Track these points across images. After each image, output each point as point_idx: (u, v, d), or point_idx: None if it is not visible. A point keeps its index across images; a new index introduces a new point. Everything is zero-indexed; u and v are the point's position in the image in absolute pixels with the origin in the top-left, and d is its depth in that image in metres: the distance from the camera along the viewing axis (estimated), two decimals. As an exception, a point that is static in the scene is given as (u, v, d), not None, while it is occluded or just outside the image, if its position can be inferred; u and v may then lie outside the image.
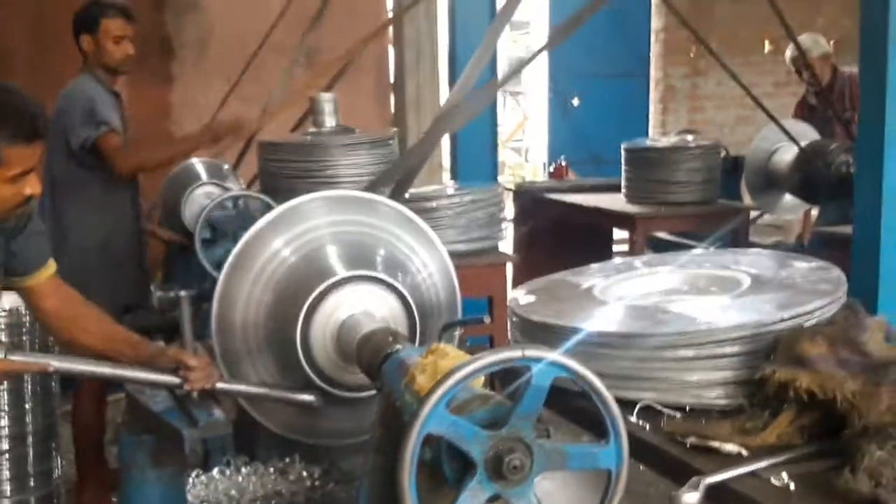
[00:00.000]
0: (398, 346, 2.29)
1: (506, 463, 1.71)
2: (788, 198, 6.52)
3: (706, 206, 6.02)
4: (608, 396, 1.75)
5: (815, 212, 7.19)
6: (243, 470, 2.77)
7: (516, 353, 1.73)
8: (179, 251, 5.04)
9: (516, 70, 3.93)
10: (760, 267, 2.53)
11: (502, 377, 2.14)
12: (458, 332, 2.83)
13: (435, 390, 1.68)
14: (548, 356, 1.72)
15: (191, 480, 2.68)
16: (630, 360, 2.17)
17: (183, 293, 2.47)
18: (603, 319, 2.28)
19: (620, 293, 2.49)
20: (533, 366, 1.72)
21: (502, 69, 6.47)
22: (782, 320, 2.14)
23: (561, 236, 6.61)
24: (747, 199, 6.69)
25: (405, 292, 2.64)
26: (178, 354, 2.36)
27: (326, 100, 4.45)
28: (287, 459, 2.81)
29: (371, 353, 2.36)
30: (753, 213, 6.80)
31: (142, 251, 4.39)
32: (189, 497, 2.60)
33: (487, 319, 2.35)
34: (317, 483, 2.74)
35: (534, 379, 1.73)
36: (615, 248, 7.32)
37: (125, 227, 4.18)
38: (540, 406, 1.74)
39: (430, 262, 2.84)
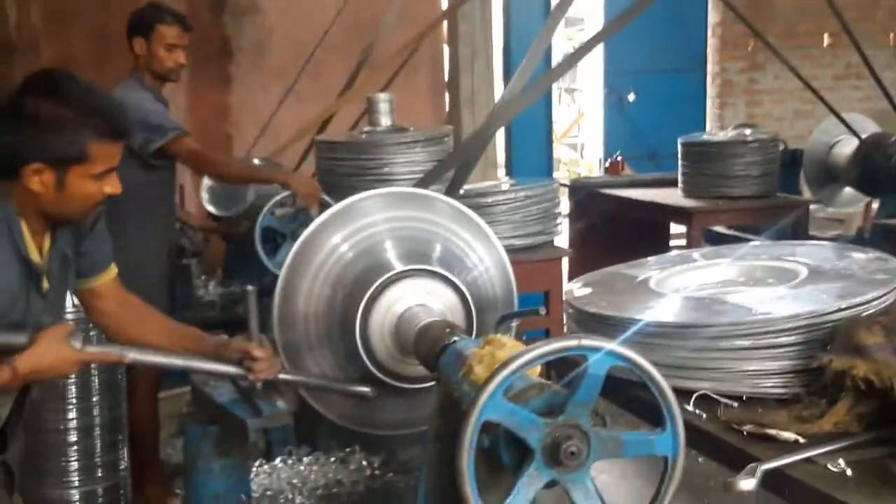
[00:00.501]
0: (455, 338, 2.33)
1: (563, 449, 1.74)
2: (848, 191, 6.45)
3: (764, 199, 5.98)
4: (663, 383, 1.78)
5: (875, 205, 7.10)
6: (305, 460, 2.83)
7: (572, 343, 1.76)
8: (239, 249, 5.14)
9: (570, 62, 3.95)
10: (818, 258, 2.52)
11: (559, 369, 2.18)
12: (514, 326, 2.87)
13: (492, 379, 1.72)
14: (604, 345, 1.75)
15: (254, 470, 2.74)
16: (686, 350, 2.18)
17: (249, 288, 2.53)
18: (659, 310, 2.30)
19: (677, 285, 2.50)
20: (589, 355, 1.75)
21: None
22: (839, 310, 2.14)
23: (616, 231, 6.60)
24: (806, 193, 6.62)
25: (461, 286, 2.68)
26: (243, 346, 2.41)
27: (382, 99, 4.51)
28: (347, 449, 2.86)
29: (429, 345, 2.40)
30: (813, 207, 6.73)
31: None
32: (253, 486, 2.66)
33: (543, 311, 2.37)
34: (376, 472, 2.79)
35: (590, 368, 1.75)
36: (672, 242, 7.28)
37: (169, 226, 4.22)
38: (596, 394, 1.77)
39: (486, 257, 2.88)
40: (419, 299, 2.65)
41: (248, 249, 4.88)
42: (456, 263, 2.78)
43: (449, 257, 2.79)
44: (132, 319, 2.45)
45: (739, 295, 2.35)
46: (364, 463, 2.83)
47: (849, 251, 2.56)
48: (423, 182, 3.68)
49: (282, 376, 2.52)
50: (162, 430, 4.15)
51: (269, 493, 2.69)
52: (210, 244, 5.20)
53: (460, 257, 2.81)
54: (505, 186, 4.51)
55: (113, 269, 2.44)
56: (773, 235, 4.74)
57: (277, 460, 2.79)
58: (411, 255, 2.74)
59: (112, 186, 2.16)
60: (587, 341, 1.75)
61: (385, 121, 4.46)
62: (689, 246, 5.87)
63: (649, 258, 2.72)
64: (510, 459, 1.81)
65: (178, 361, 2.38)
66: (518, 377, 1.80)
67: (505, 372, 1.72)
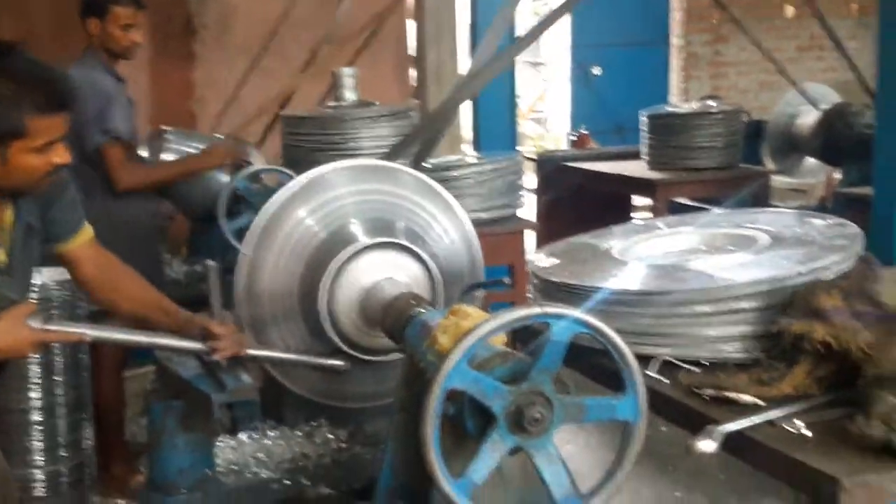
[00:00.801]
0: (421, 310, 2.34)
1: (526, 416, 1.76)
2: (810, 161, 6.51)
3: (728, 170, 6.02)
4: (625, 349, 1.79)
5: (838, 175, 7.17)
6: (270, 434, 2.83)
7: (536, 311, 1.77)
8: (203, 227, 5.10)
9: (536, 34, 3.93)
10: (778, 225, 2.55)
11: (524, 340, 2.19)
12: (480, 295, 2.88)
13: (457, 347, 1.73)
14: (567, 312, 1.76)
15: (219, 445, 2.73)
16: (649, 317, 2.20)
17: (211, 263, 2.53)
18: (622, 278, 2.32)
19: (639, 253, 2.52)
20: (552, 322, 1.77)
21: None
22: (799, 275, 2.16)
23: (582, 205, 6.62)
24: (770, 165, 6.67)
25: (427, 258, 2.68)
26: (204, 323, 2.41)
27: (347, 74, 4.50)
28: (313, 423, 2.87)
29: (394, 317, 2.41)
30: (776, 179, 6.79)
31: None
32: (217, 461, 2.66)
33: (507, 281, 2.39)
34: (343, 445, 2.79)
35: (553, 335, 1.77)
36: (636, 215, 7.32)
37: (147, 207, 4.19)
38: (559, 361, 1.78)
39: (451, 230, 2.89)
40: (385, 272, 2.66)
41: (211, 226, 4.86)
42: (421, 236, 2.79)
43: (414, 230, 2.80)
44: (109, 283, 2.45)
45: (701, 262, 2.37)
46: (330, 436, 2.83)
47: (809, 218, 2.58)
48: (389, 156, 3.68)
49: (249, 352, 2.52)
50: (127, 409, 4.13)
51: (234, 467, 2.69)
52: (174, 222, 5.16)
53: (426, 230, 2.82)
54: (470, 159, 4.52)
55: (87, 232, 2.42)
56: (733, 206, 4.78)
57: (243, 435, 2.79)
58: (377, 228, 2.74)
59: (60, 156, 2.14)
60: (550, 309, 1.77)
61: (350, 95, 4.45)
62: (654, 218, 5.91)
63: (613, 227, 2.74)
64: (474, 427, 1.83)
65: (140, 339, 2.38)
66: (482, 346, 1.81)
67: (469, 340, 1.73)
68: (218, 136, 5.06)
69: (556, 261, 2.50)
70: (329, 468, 2.71)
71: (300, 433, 2.82)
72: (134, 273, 2.49)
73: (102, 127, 3.84)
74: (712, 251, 2.50)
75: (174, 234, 5.30)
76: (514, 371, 1.84)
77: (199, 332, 2.41)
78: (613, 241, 2.62)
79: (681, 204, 6.37)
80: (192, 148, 4.28)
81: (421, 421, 1.73)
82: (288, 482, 2.66)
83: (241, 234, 4.13)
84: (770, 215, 2.74)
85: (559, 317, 1.77)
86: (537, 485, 1.92)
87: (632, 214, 7.14)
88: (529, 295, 2.56)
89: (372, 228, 2.74)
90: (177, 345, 2.42)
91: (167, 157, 4.25)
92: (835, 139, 5.91)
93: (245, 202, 4.10)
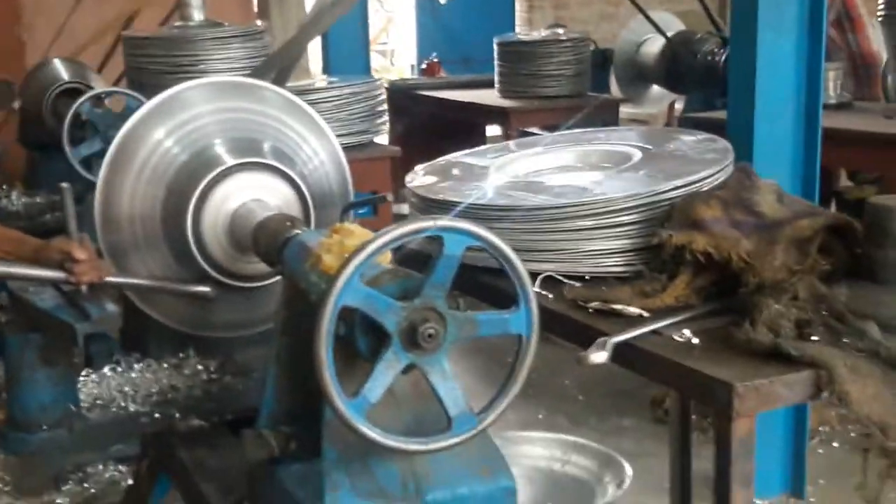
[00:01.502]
0: (297, 231, 2.26)
1: (420, 332, 1.72)
2: (656, 89, 6.67)
3: (577, 99, 6.11)
4: (517, 262, 1.77)
5: (678, 105, 7.38)
6: (136, 367, 2.70)
7: (428, 224, 1.72)
8: (41, 156, 4.84)
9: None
10: (648, 141, 2.58)
11: (401, 263, 2.14)
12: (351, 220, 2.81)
13: (350, 262, 1.66)
14: (460, 225, 1.72)
15: (81, 380, 2.59)
16: (529, 232, 2.20)
17: (65, 185, 2.37)
18: (502, 195, 2.30)
19: (517, 171, 2.50)
20: (444, 236, 1.72)
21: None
22: (676, 188, 2.19)
23: (434, 133, 6.60)
24: (617, 93, 6.80)
25: (297, 179, 2.59)
26: (64, 246, 2.26)
27: (194, -8, 4.29)
28: (181, 355, 2.75)
29: (268, 240, 2.31)
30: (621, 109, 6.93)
31: None
32: (81, 396, 2.52)
33: (390, 197, 2.33)
34: (213, 377, 2.70)
35: (445, 249, 1.73)
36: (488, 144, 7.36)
37: None
38: (451, 276, 1.74)
39: (320, 150, 2.79)
40: (253, 194, 2.55)
41: (49, 154, 4.61)
42: (290, 157, 2.69)
43: (282, 150, 2.69)
44: None
45: (578, 177, 2.37)
46: (199, 367, 2.73)
47: (677, 134, 2.62)
48: (254, 76, 3.53)
49: (110, 279, 2.39)
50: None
51: (99, 402, 2.56)
52: (8, 152, 4.87)
53: (294, 150, 2.72)
54: (328, 83, 4.40)
55: None
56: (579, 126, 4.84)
57: (106, 368, 2.65)
58: (242, 148, 2.62)
59: None
60: (443, 222, 1.72)
61: (198, 15, 4.26)
62: (507, 146, 5.94)
63: (486, 146, 2.71)
64: (366, 346, 1.78)
65: None
66: (370, 265, 1.75)
67: (363, 255, 1.67)
68: None
69: (433, 179, 2.46)
70: (199, 399, 2.61)
71: (167, 365, 2.70)
72: None
73: None
74: (588, 168, 2.51)
75: (8, 165, 5.02)
76: (405, 288, 1.79)
77: (57, 258, 2.27)
78: (489, 159, 2.59)
79: (532, 133, 6.44)
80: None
81: (314, 341, 1.66)
82: (157, 415, 2.55)
83: (86, 160, 3.96)
84: (637, 132, 2.77)
85: (452, 230, 1.73)
86: (430, 403, 1.90)
87: (484, 143, 7.17)
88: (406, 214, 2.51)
89: (237, 149, 2.62)
90: (34, 274, 2.27)
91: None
92: (679, 67, 6.06)
93: (91, 127, 3.88)
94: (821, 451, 4.27)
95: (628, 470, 3.20)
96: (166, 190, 2.58)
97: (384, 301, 1.71)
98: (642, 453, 4.15)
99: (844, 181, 5.83)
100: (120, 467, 3.90)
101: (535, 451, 3.40)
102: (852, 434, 4.41)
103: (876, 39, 5.24)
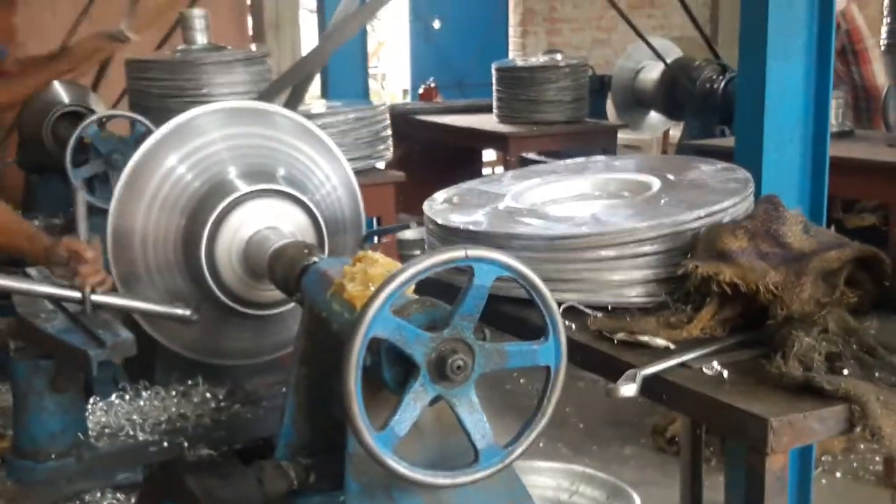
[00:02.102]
0: (315, 259, 2.23)
1: (449, 364, 1.69)
2: (653, 115, 6.68)
3: (576, 124, 6.11)
4: (547, 293, 1.75)
5: (673, 131, 7.39)
6: (144, 394, 2.66)
7: (459, 254, 1.69)
8: (37, 179, 4.81)
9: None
10: (667, 170, 2.56)
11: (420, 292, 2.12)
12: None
13: (381, 292, 1.63)
14: (491, 255, 1.70)
15: (89, 407, 2.55)
16: (553, 262, 2.17)
17: (79, 190, 2.35)
18: (521, 224, 2.27)
19: (535, 199, 2.48)
20: (475, 266, 1.70)
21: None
22: (699, 218, 2.17)
23: (431, 158, 6.60)
24: (615, 119, 6.81)
25: (311, 205, 2.57)
26: (72, 244, 2.25)
27: (197, 16, 4.26)
28: (189, 382, 2.71)
29: (286, 267, 2.28)
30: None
31: None
32: (89, 424, 2.48)
33: (413, 226, 2.31)
34: (222, 405, 2.65)
35: (476, 279, 1.70)
36: (485, 170, 7.36)
37: None
38: (481, 306, 1.72)
39: (332, 175, 2.77)
40: (268, 221, 2.52)
41: (46, 178, 4.58)
42: (304, 182, 2.66)
43: (294, 176, 2.66)
44: None
45: (597, 206, 2.35)
46: (208, 395, 2.69)
47: (696, 163, 2.61)
48: (262, 99, 3.51)
49: (94, 298, 2.35)
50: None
51: (108, 430, 2.51)
52: (9, 172, 4.83)
53: (307, 175, 2.69)
54: (333, 108, 4.38)
55: None
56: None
57: (114, 396, 2.61)
58: (255, 174, 2.59)
59: None
60: (474, 252, 1.70)
61: (201, 38, 4.22)
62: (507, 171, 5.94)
63: (505, 173, 2.69)
64: (392, 377, 1.75)
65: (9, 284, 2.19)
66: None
67: (394, 285, 1.64)
68: None
69: (451, 206, 2.44)
70: (209, 428, 2.57)
71: (175, 393, 2.66)
72: None
73: None
74: (607, 196, 2.49)
75: (5, 188, 4.98)
76: (433, 318, 1.76)
77: (64, 255, 2.28)
78: (506, 187, 2.57)
79: (530, 159, 6.44)
80: None
81: (343, 372, 1.63)
82: (165, 444, 2.50)
83: (88, 183, 3.93)
84: (656, 161, 2.76)
85: (483, 260, 1.71)
86: (452, 435, 1.87)
87: (480, 168, 7.17)
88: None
89: (250, 175, 2.59)
90: (44, 291, 2.25)
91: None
92: (677, 93, 6.07)
93: (93, 150, 3.86)
94: (824, 480, 4.26)
95: (637, 500, 3.18)
96: (180, 217, 2.54)
97: (413, 332, 1.68)
98: (645, 482, 4.12)
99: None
100: (118, 495, 3.84)
101: (541, 482, 3.37)
102: (854, 464, 4.40)
103: (879, 73, 5.26)
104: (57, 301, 2.40)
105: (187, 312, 2.48)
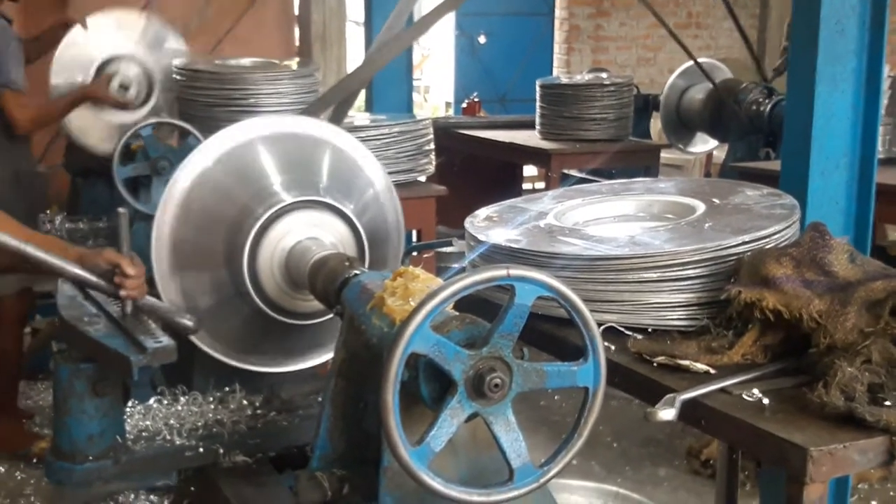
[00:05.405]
0: (356, 272, 2.24)
1: (487, 382, 1.69)
2: (699, 136, 6.64)
3: (619, 143, 6.09)
4: (588, 314, 1.74)
5: (716, 152, 7.34)
6: (182, 399, 2.68)
7: (501, 273, 1.69)
8: (83, 183, 4.87)
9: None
10: (712, 194, 2.54)
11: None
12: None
13: (422, 307, 1.64)
14: (532, 275, 1.70)
15: (127, 411, 2.57)
16: (594, 283, 2.16)
17: (122, 210, 2.37)
18: (564, 243, 2.27)
19: (577, 219, 2.48)
20: (516, 285, 1.70)
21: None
22: (743, 243, 2.16)
23: (471, 172, 6.60)
24: (659, 139, 6.78)
25: (353, 218, 2.58)
26: (113, 257, 2.26)
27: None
28: (226, 388, 2.73)
29: (326, 279, 2.30)
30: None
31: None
32: (128, 427, 2.50)
33: (456, 242, 2.31)
34: (258, 412, 2.67)
35: (517, 298, 1.70)
36: (525, 185, 7.35)
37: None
38: (521, 326, 1.72)
39: (373, 188, 2.78)
40: (309, 232, 2.54)
41: (91, 181, 4.64)
42: (345, 194, 2.68)
43: (338, 188, 2.68)
44: None
45: (640, 228, 2.34)
46: (244, 402, 2.71)
47: (741, 187, 2.59)
48: (306, 113, 3.55)
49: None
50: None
51: (145, 434, 2.53)
52: (55, 175, 4.90)
53: (349, 188, 2.71)
54: (377, 121, 4.40)
55: None
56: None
57: (152, 400, 2.64)
58: (298, 184, 2.61)
59: None
60: (516, 271, 1.70)
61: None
62: (547, 188, 5.93)
63: (545, 192, 2.69)
64: (429, 393, 1.75)
65: (38, 254, 2.20)
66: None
67: (435, 301, 1.64)
68: None
69: (494, 224, 2.44)
70: (244, 435, 2.59)
71: (212, 399, 2.68)
72: (11, 219, 2.34)
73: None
74: (650, 218, 2.48)
75: (52, 191, 5.05)
76: (471, 336, 1.77)
77: (104, 267, 2.27)
78: (548, 205, 2.57)
79: (573, 176, 6.43)
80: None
81: (382, 387, 1.63)
82: (201, 449, 2.52)
83: (130, 182, 3.99)
84: (700, 184, 2.74)
85: (525, 280, 1.70)
86: (486, 452, 1.87)
87: (521, 184, 7.16)
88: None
89: (293, 184, 2.61)
90: (83, 275, 2.26)
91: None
92: (723, 114, 6.04)
93: (141, 153, 3.93)
94: (859, 508, 4.20)
95: (669, 523, 3.15)
96: (225, 226, 2.57)
97: (452, 349, 1.68)
98: (677, 504, 4.09)
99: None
100: (152, 497, 3.87)
101: (574, 500, 3.34)
102: (892, 493, 4.34)
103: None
104: (89, 291, 2.41)
105: (191, 324, 2.51)
